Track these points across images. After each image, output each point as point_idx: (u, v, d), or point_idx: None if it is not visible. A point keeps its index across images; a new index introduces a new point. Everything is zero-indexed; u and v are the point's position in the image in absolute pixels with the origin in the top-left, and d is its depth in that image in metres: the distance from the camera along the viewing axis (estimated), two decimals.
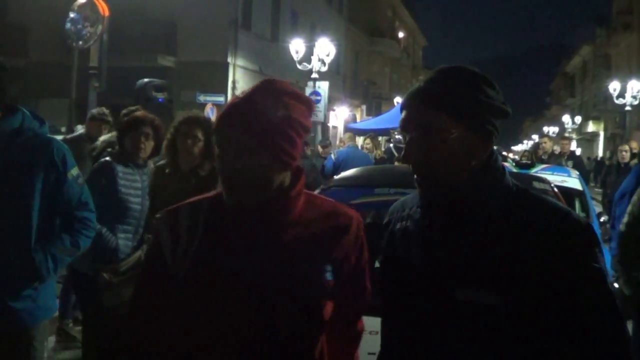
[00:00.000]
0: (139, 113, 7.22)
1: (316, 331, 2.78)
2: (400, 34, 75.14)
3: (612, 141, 63.55)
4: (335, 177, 7.25)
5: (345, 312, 2.97)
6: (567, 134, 78.39)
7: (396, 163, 16.21)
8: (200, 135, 6.57)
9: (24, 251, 4.82)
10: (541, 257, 2.42)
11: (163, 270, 2.77)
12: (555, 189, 6.98)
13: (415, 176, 2.63)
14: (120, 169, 6.72)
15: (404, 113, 2.66)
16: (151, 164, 7.17)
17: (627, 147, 18.06)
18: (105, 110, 10.54)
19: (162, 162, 7.00)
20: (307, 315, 2.71)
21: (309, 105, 2.82)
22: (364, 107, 59.60)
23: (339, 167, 15.34)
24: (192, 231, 2.77)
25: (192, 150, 6.56)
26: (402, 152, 2.65)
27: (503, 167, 2.70)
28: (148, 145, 6.89)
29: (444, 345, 2.53)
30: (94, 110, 10.52)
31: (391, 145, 23.61)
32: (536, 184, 6.61)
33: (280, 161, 2.67)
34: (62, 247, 4.98)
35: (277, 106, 2.66)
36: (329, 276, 2.74)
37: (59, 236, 5.02)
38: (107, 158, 6.92)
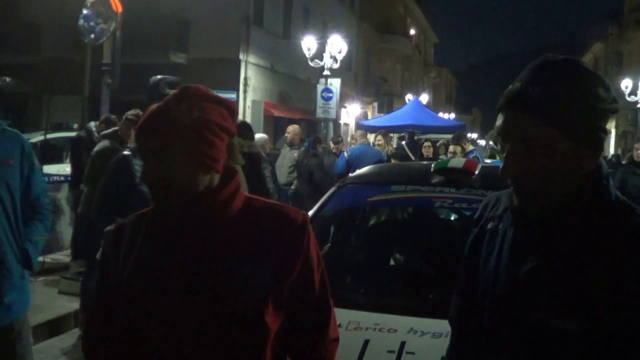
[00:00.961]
0: (152, 107, 7.15)
1: (259, 335, 2.68)
2: (412, 31, 75.18)
3: (624, 139, 63.40)
4: (351, 174, 7.25)
5: (302, 324, 2.86)
6: None
7: (392, 161, 16.15)
8: None
9: (16, 242, 4.98)
10: (636, 290, 2.16)
11: (110, 281, 2.79)
12: None
13: (512, 188, 2.41)
14: (137, 161, 6.66)
15: (502, 119, 2.37)
16: None
17: None
18: (140, 113, 10.58)
19: None
20: (246, 317, 2.64)
21: (228, 107, 2.78)
22: (375, 104, 59.56)
23: (352, 164, 15.33)
24: (134, 240, 2.79)
25: None
26: (502, 165, 2.38)
27: (608, 177, 2.41)
28: None
29: None
30: (130, 112, 10.57)
31: (404, 142, 23.59)
32: None
33: (200, 164, 2.65)
34: (40, 234, 5.22)
35: (192, 110, 2.65)
36: (267, 278, 2.67)
37: (33, 224, 5.23)
38: (126, 152, 6.99)
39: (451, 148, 16.30)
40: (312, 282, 2.84)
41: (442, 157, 16.84)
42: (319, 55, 30.62)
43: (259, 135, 16.66)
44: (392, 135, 27.59)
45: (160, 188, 2.65)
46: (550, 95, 2.26)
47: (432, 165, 6.33)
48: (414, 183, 6.17)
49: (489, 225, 2.64)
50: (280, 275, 2.71)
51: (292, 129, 16.25)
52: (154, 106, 2.74)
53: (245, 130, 10.79)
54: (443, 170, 6.05)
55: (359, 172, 7.16)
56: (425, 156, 18.20)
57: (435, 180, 5.99)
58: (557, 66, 2.33)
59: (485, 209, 2.76)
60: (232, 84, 32.81)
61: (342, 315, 3.53)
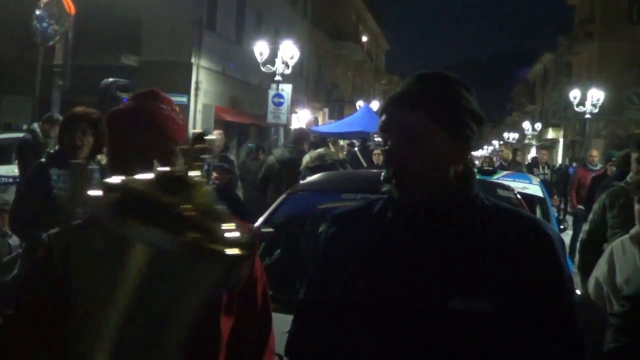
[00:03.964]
0: (77, 109, 6.84)
1: (215, 341, 2.74)
2: (364, 38, 75.30)
3: (572, 148, 64.05)
4: (301, 181, 7.31)
5: (246, 333, 2.90)
6: (527, 141, 79.13)
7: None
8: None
9: None
10: (517, 266, 2.48)
11: (49, 284, 2.72)
12: (519, 197, 7.10)
13: (394, 181, 2.59)
14: (54, 171, 6.46)
15: (384, 116, 2.64)
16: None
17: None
18: None
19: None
20: (202, 328, 2.56)
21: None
22: (326, 110, 59.57)
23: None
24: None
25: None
26: (385, 156, 2.63)
27: (474, 175, 2.73)
28: (86, 142, 6.57)
29: (432, 355, 2.49)
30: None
31: (356, 149, 23.62)
32: (500, 192, 6.71)
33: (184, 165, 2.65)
34: None
35: (176, 113, 2.75)
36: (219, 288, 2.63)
37: None
38: (42, 160, 6.72)
39: None
40: (255, 292, 2.91)
41: None
42: (271, 60, 30.63)
43: (213, 136, 16.34)
44: (342, 142, 27.69)
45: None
46: (426, 92, 2.57)
47: (382, 173, 6.40)
48: (364, 191, 6.23)
49: (360, 236, 2.73)
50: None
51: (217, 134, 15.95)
52: (135, 104, 2.76)
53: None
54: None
55: (309, 179, 7.23)
56: (375, 164, 18.28)
57: (384, 188, 6.04)
58: (431, 74, 2.68)
59: (342, 223, 2.86)
60: (183, 88, 32.73)
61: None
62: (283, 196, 6.66)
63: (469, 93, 2.65)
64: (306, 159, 11.72)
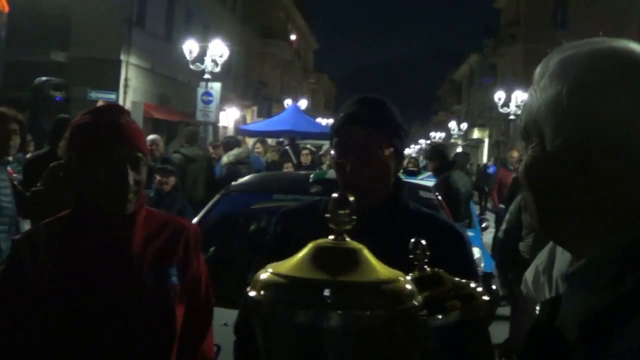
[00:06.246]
0: (2, 109, 6.88)
1: (171, 327, 2.99)
2: (292, 37, 75.35)
3: (497, 148, 64.82)
4: (233, 182, 7.55)
5: (193, 324, 3.13)
6: (453, 140, 79.85)
7: (285, 167, 16.60)
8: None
9: None
10: (435, 263, 2.79)
11: (21, 285, 2.87)
12: (440, 198, 7.44)
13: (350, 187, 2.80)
14: None
15: (345, 134, 2.99)
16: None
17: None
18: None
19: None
20: (161, 319, 2.94)
21: None
22: (254, 108, 59.54)
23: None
24: (50, 247, 2.90)
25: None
26: (343, 170, 2.95)
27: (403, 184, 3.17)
28: (15, 141, 6.78)
29: None
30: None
31: (287, 147, 23.64)
32: (422, 194, 7.00)
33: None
34: None
35: (136, 124, 3.00)
36: (175, 280, 2.99)
37: None
38: None
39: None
40: (201, 285, 3.19)
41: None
42: (200, 58, 30.59)
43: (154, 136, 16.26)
44: (270, 140, 27.85)
45: (126, 195, 2.86)
46: (376, 113, 2.98)
47: (311, 175, 6.68)
48: (294, 192, 6.49)
49: (311, 231, 2.99)
50: (185, 274, 3.05)
51: None
52: (99, 117, 2.93)
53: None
54: (321, 181, 6.39)
55: (241, 180, 7.49)
56: (303, 164, 18.21)
57: (313, 190, 6.30)
58: (371, 99, 3.08)
59: (286, 220, 3.24)
60: (112, 84, 32.58)
61: (228, 315, 3.74)
62: (217, 196, 6.90)
63: (398, 113, 3.06)
64: (229, 157, 13.92)
